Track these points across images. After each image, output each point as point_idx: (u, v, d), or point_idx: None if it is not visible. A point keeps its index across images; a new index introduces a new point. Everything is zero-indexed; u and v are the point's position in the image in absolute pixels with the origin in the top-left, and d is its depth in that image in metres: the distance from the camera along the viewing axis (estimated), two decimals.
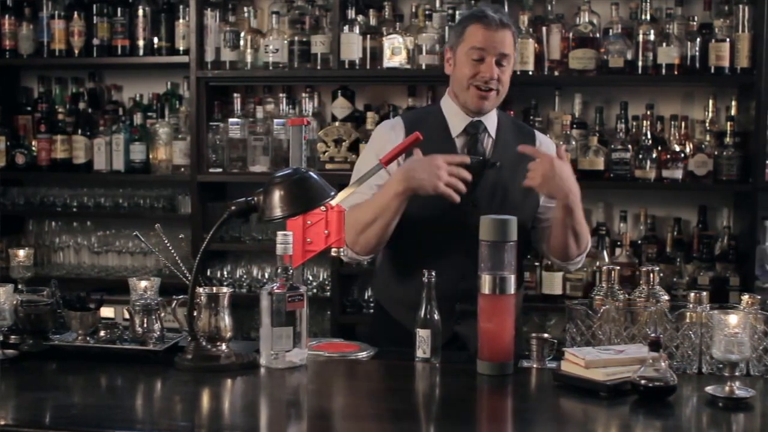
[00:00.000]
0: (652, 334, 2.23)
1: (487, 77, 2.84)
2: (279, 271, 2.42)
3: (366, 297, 4.50)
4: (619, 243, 4.39)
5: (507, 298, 2.38)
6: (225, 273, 4.53)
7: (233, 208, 2.41)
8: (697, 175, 4.22)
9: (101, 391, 2.30)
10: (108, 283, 4.52)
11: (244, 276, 4.53)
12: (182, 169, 4.56)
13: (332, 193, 2.39)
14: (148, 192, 4.69)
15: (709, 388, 2.17)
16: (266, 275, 4.53)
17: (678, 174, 4.20)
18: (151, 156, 4.62)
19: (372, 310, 4.41)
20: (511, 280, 2.38)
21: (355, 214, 2.75)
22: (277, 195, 2.34)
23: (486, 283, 2.38)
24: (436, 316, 2.48)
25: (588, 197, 4.43)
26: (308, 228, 2.58)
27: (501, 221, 2.39)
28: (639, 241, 4.40)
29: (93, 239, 4.70)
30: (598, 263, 4.32)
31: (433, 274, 2.51)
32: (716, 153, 4.22)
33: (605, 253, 4.35)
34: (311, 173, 2.41)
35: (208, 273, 4.45)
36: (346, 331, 4.41)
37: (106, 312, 2.62)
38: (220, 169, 4.54)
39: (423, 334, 2.48)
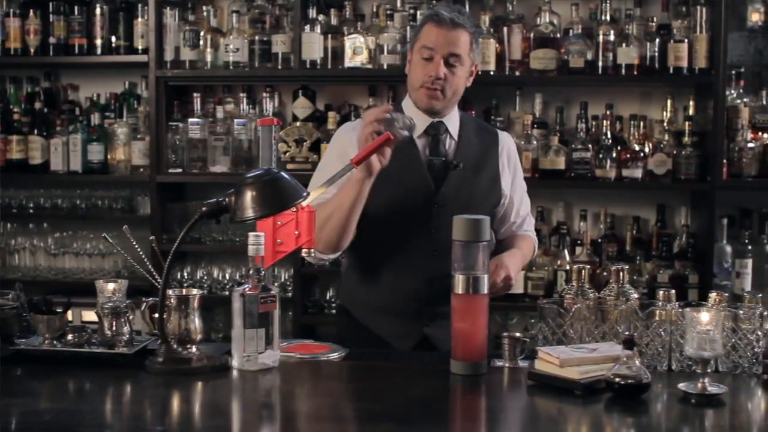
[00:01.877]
0: (626, 333, 2.25)
1: (433, 75, 2.81)
2: (251, 272, 2.40)
3: (328, 297, 4.49)
4: (579, 242, 4.43)
5: (480, 298, 2.38)
6: (185, 274, 4.48)
7: (204, 209, 2.39)
8: (656, 174, 4.26)
9: (71, 396, 2.26)
10: (65, 285, 4.47)
11: (205, 277, 4.50)
12: (141, 170, 4.52)
13: (304, 194, 2.37)
14: (107, 193, 4.64)
15: (681, 385, 2.20)
16: (227, 276, 4.51)
17: (638, 173, 4.25)
18: (109, 156, 4.56)
19: (334, 311, 4.44)
20: (484, 279, 2.38)
21: (317, 213, 2.73)
22: (248, 196, 2.32)
23: (459, 282, 2.38)
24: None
25: (548, 197, 4.51)
26: (278, 229, 2.56)
27: (473, 221, 2.39)
28: (599, 240, 4.45)
29: (50, 241, 4.63)
30: (559, 262, 4.36)
31: None
32: (675, 152, 4.27)
33: (566, 252, 4.38)
34: (283, 174, 2.38)
35: (167, 274, 4.39)
36: (308, 332, 4.41)
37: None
38: (179, 170, 4.49)
39: (393, 115, 2.62)
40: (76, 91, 4.79)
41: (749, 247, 4.25)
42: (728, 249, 4.26)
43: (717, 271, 4.24)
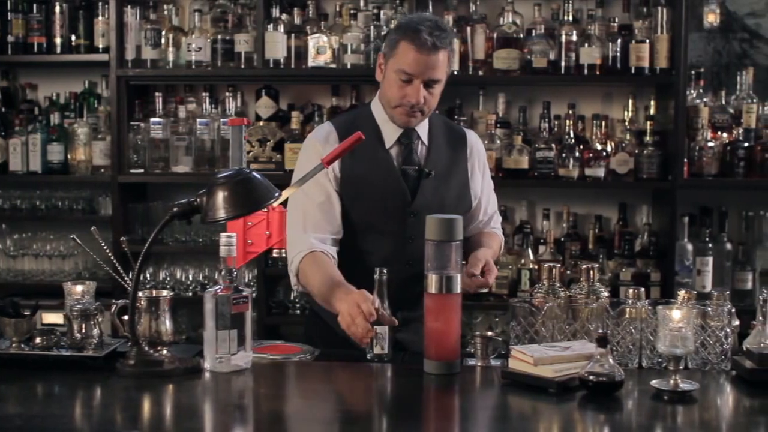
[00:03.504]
0: (600, 331, 2.27)
1: (413, 101, 2.78)
2: (223, 273, 2.39)
3: (292, 298, 4.48)
4: (542, 240, 4.46)
5: (453, 297, 2.39)
6: (147, 275, 4.44)
7: (176, 209, 2.36)
8: (618, 173, 4.30)
9: (42, 400, 2.22)
10: (25, 287, 4.41)
11: (168, 278, 4.45)
12: (102, 170, 4.46)
13: (276, 194, 2.36)
14: (67, 193, 4.57)
15: (654, 382, 2.22)
16: (190, 277, 4.47)
17: (600, 172, 4.28)
18: (69, 156, 4.50)
19: (299, 311, 4.43)
20: (457, 279, 2.39)
21: (306, 272, 2.74)
22: (220, 196, 2.29)
23: (432, 282, 2.38)
24: (388, 313, 2.49)
25: (511, 196, 4.53)
26: (249, 229, 2.56)
27: (447, 221, 2.39)
28: (562, 239, 4.48)
29: (9, 242, 4.55)
30: (522, 261, 4.38)
31: (385, 272, 2.52)
32: (637, 152, 4.31)
33: (529, 250, 4.40)
34: (255, 174, 2.36)
35: (130, 275, 4.34)
36: (272, 332, 4.39)
37: None
38: (141, 170, 4.45)
39: (380, 331, 2.47)
40: (34, 90, 4.71)
41: (710, 245, 4.31)
42: (689, 247, 4.31)
43: (678, 268, 4.28)
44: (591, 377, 2.18)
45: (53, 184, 4.57)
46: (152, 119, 4.41)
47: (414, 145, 2.90)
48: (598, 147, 4.34)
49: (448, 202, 2.89)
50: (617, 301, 2.51)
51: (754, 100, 4.34)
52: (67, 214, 4.54)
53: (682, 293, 2.46)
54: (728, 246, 4.37)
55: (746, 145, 4.28)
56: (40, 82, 4.72)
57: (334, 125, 2.94)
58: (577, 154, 4.30)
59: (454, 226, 2.39)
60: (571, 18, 4.33)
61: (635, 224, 4.56)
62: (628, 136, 4.39)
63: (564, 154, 4.30)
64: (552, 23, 4.40)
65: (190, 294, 4.41)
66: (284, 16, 4.38)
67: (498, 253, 3.13)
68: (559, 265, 2.61)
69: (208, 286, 4.34)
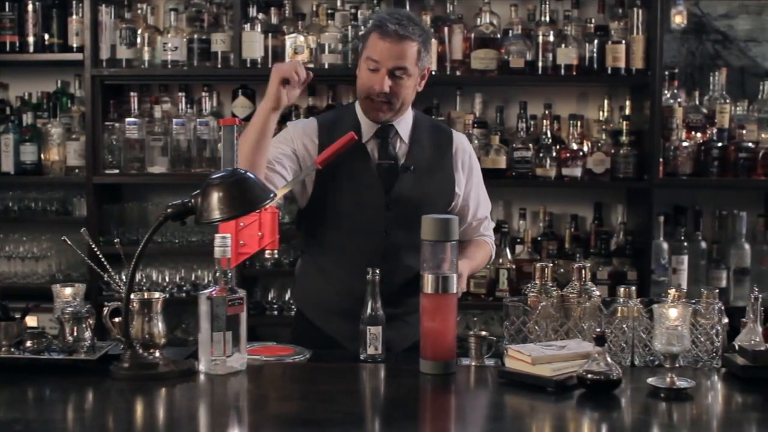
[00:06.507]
0: (597, 329, 2.28)
1: (377, 90, 2.81)
2: (217, 274, 2.37)
3: (269, 298, 4.45)
4: (519, 240, 4.48)
5: (449, 297, 2.40)
6: (123, 277, 4.37)
7: (170, 210, 2.34)
8: (595, 173, 4.33)
9: (37, 405, 2.19)
10: None
11: (144, 280, 4.40)
12: (77, 171, 4.41)
13: (272, 195, 2.34)
14: (40, 194, 4.51)
15: (650, 380, 2.24)
16: (166, 279, 4.42)
17: (577, 172, 4.31)
18: (43, 157, 4.43)
19: (275, 312, 4.42)
20: (453, 279, 2.40)
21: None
22: (215, 197, 2.27)
23: (428, 282, 2.39)
24: (381, 313, 2.49)
25: (489, 196, 4.51)
26: (241, 230, 2.54)
27: (442, 221, 2.40)
28: (539, 238, 4.50)
29: None
30: (500, 260, 4.39)
31: (378, 272, 2.53)
32: (613, 151, 4.34)
33: (507, 250, 4.41)
34: (249, 174, 2.35)
35: (105, 278, 4.29)
36: (249, 333, 4.33)
37: None
38: (116, 171, 4.40)
39: (374, 331, 2.48)
40: (5, 89, 4.64)
41: (685, 244, 4.36)
42: (665, 246, 4.35)
43: (654, 267, 4.33)
44: (589, 376, 2.20)
45: (26, 185, 4.51)
46: (127, 119, 4.37)
47: (390, 140, 2.92)
48: (575, 147, 4.37)
49: (428, 198, 2.89)
50: (609, 300, 2.53)
51: (727, 101, 4.39)
52: (41, 215, 4.49)
53: (672, 291, 2.49)
54: (703, 245, 4.42)
55: (720, 144, 4.34)
56: (11, 82, 4.65)
57: (318, 120, 3.01)
58: (554, 153, 4.32)
59: (450, 226, 2.40)
60: (547, 19, 4.35)
61: (611, 223, 4.59)
62: (603, 136, 4.42)
63: (541, 154, 4.32)
64: (529, 24, 4.42)
65: (167, 296, 4.35)
66: (261, 16, 4.36)
67: (481, 264, 3.10)
68: (551, 265, 2.61)
69: (183, 288, 4.37)
